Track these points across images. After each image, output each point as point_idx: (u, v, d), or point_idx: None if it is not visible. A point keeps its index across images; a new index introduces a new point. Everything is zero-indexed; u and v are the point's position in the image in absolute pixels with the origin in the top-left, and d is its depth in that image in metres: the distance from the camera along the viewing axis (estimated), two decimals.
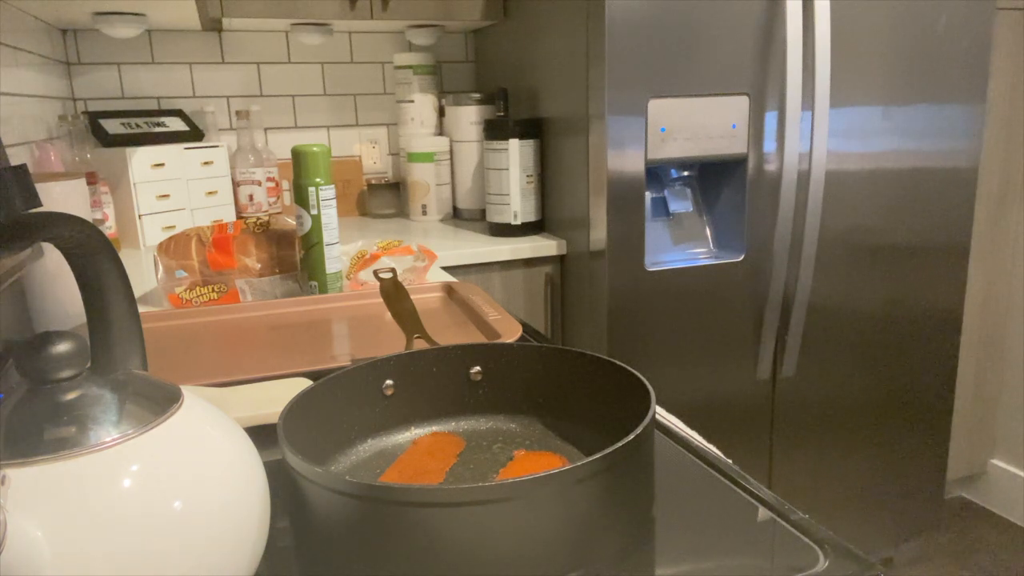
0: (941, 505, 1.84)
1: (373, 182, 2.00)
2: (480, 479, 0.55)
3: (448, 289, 1.09)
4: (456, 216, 1.96)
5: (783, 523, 0.49)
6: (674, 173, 1.59)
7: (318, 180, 1.06)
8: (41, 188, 0.91)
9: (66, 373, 0.38)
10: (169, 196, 1.67)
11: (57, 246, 0.40)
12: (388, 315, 0.99)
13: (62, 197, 0.94)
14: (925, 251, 1.65)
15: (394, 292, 0.78)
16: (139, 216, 1.63)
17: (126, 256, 1.54)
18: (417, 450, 0.59)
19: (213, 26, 1.82)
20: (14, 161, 1.21)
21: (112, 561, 0.34)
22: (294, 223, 1.16)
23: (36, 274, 0.92)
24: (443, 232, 1.75)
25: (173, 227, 1.69)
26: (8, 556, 0.31)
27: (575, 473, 0.43)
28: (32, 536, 0.33)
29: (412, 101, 1.95)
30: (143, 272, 1.38)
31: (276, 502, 0.51)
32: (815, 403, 1.66)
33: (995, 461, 2.11)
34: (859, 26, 1.48)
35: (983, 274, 1.99)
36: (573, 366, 0.61)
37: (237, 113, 1.83)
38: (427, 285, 1.10)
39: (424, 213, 1.93)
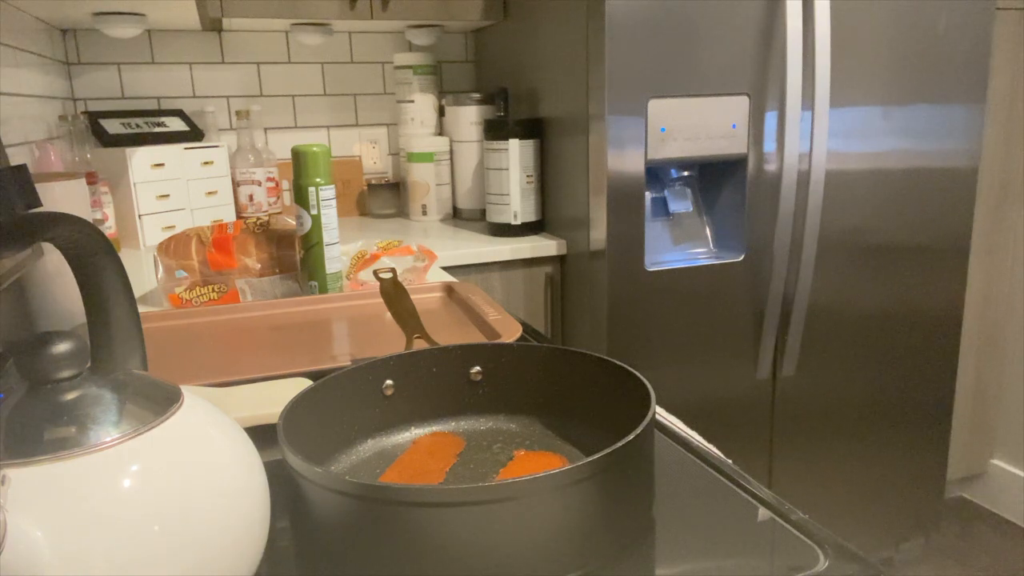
0: (941, 505, 1.84)
1: (373, 182, 2.00)
2: (480, 479, 0.55)
3: (448, 289, 1.09)
4: (456, 216, 1.96)
5: (783, 523, 0.49)
6: (674, 173, 1.59)
7: (318, 180, 1.06)
8: (41, 188, 0.91)
9: (66, 373, 0.38)
10: (169, 196, 1.67)
11: (57, 246, 0.40)
12: (388, 315, 0.99)
13: (62, 197, 0.94)
14: (925, 251, 1.65)
15: (394, 292, 0.78)
16: (139, 216, 1.63)
17: (126, 256, 1.54)
18: (417, 450, 0.59)
19: (213, 26, 1.82)
20: (14, 161, 1.21)
21: (112, 561, 0.34)
22: (294, 223, 1.16)
23: (36, 274, 0.92)
24: (443, 232, 1.75)
25: (173, 227, 1.69)
26: (8, 556, 0.31)
27: (575, 473, 0.43)
28: (32, 536, 0.33)
29: (412, 101, 1.95)
30: (143, 272, 1.38)
31: (276, 502, 0.51)
32: (815, 403, 1.66)
33: (995, 461, 2.11)
34: (859, 26, 1.48)
35: (983, 274, 1.99)
36: (573, 366, 0.61)
37: (237, 113, 1.83)
38: (427, 285, 1.10)
39: (424, 213, 1.93)
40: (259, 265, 1.13)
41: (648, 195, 1.54)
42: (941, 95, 1.57)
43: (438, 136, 1.94)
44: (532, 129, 1.63)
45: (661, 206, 1.56)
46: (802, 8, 1.41)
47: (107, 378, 0.40)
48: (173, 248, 1.12)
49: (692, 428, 0.65)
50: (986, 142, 1.91)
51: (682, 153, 1.42)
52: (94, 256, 0.42)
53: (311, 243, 1.08)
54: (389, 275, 0.78)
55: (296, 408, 0.53)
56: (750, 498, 0.52)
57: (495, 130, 1.63)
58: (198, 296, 1.07)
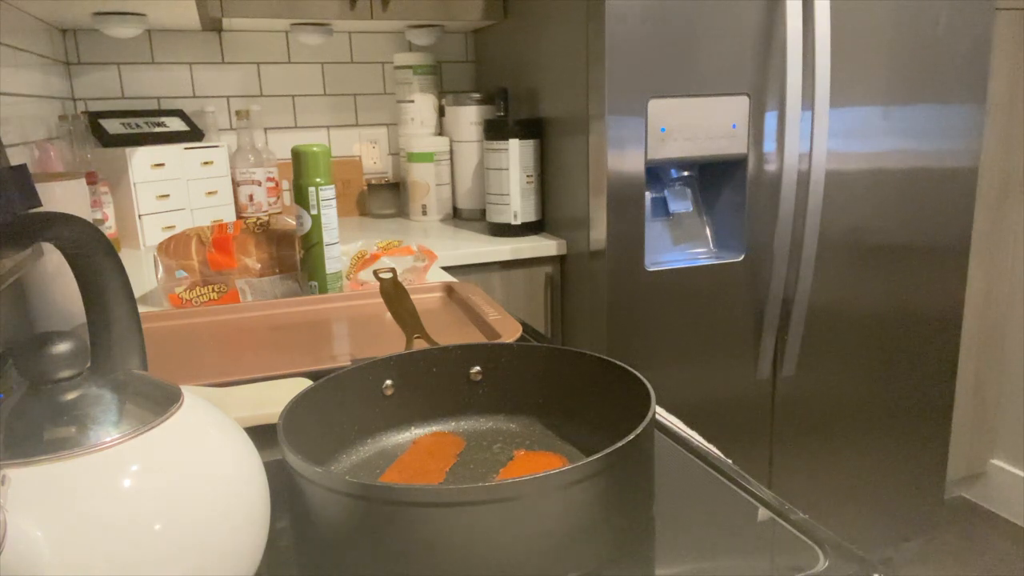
0: (941, 505, 1.84)
1: (373, 182, 2.00)
2: (480, 479, 0.55)
3: (448, 289, 1.09)
4: (456, 216, 1.96)
5: (783, 523, 0.49)
6: (674, 173, 1.59)
7: (318, 180, 1.06)
8: (41, 188, 0.91)
9: (66, 373, 0.38)
10: (169, 196, 1.67)
11: (57, 246, 0.40)
12: (388, 315, 0.99)
13: (62, 197, 0.94)
14: (925, 251, 1.65)
15: (394, 292, 0.78)
16: (139, 216, 1.63)
17: (126, 256, 1.54)
18: (417, 450, 0.59)
19: (213, 26, 1.82)
20: (14, 161, 1.21)
21: (112, 561, 0.34)
22: (294, 223, 1.16)
23: (36, 274, 0.92)
24: (443, 232, 1.75)
25: (173, 227, 1.69)
26: (8, 556, 0.31)
27: (575, 473, 0.43)
28: (32, 536, 0.33)
29: (412, 101, 1.95)
30: (143, 272, 1.38)
31: (276, 502, 0.51)
32: (815, 403, 1.66)
33: (995, 461, 2.11)
34: (859, 26, 1.48)
35: (983, 274, 1.99)
36: (573, 366, 0.61)
37: (237, 113, 1.83)
38: (427, 285, 1.10)
39: (424, 213, 1.93)
40: (259, 265, 1.13)
41: (648, 195, 1.54)
42: (941, 95, 1.57)
43: (438, 136, 1.94)
44: (532, 129, 1.63)
45: (661, 206, 1.56)
46: (802, 8, 1.41)
47: (107, 378, 0.40)
48: (173, 248, 1.12)
49: (692, 428, 0.65)
50: (986, 142, 1.91)
51: (682, 153, 1.42)
52: (94, 256, 0.42)
53: (311, 243, 1.08)
54: (389, 275, 0.78)
55: (296, 408, 0.53)
56: (750, 498, 0.52)
57: (495, 130, 1.63)
58: (198, 296, 1.07)
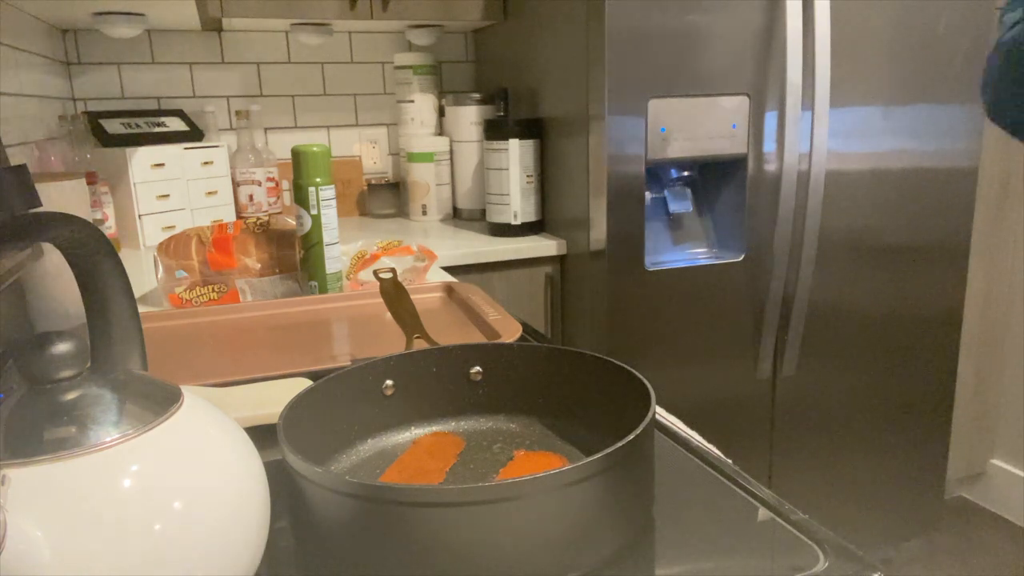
0: (941, 505, 1.84)
1: (373, 182, 2.00)
2: (480, 479, 0.55)
3: (448, 289, 1.09)
4: (456, 216, 1.96)
5: (783, 523, 0.49)
6: (674, 173, 1.59)
7: (318, 180, 1.06)
8: (41, 188, 0.91)
9: (66, 373, 0.38)
10: (169, 196, 1.67)
11: (57, 246, 0.40)
12: (388, 315, 0.99)
13: (62, 197, 0.94)
14: (925, 251, 1.65)
15: (394, 292, 0.78)
16: (139, 216, 1.63)
17: (126, 256, 1.54)
18: (417, 450, 0.59)
19: (213, 26, 1.82)
20: (14, 161, 1.21)
21: (112, 561, 0.34)
22: (294, 223, 1.16)
23: (36, 274, 0.92)
24: (443, 232, 1.75)
25: (173, 227, 1.69)
26: (8, 556, 0.31)
27: (575, 473, 0.43)
28: (32, 536, 0.33)
29: (412, 101, 1.95)
30: (143, 272, 1.38)
31: (276, 502, 0.51)
32: (815, 403, 1.66)
33: (995, 461, 2.11)
34: (859, 26, 1.48)
35: (983, 274, 1.99)
36: (573, 366, 0.61)
37: (237, 113, 1.83)
38: (427, 285, 1.10)
39: (424, 213, 1.93)
40: (259, 265, 1.13)
41: (648, 195, 1.54)
42: (941, 95, 1.57)
43: (438, 136, 1.94)
44: (532, 129, 1.63)
45: (661, 206, 1.56)
46: (802, 8, 1.41)
47: (107, 378, 0.40)
48: (173, 248, 1.12)
49: (692, 428, 0.65)
50: (986, 142, 1.91)
51: (682, 153, 1.42)
52: (94, 256, 0.42)
53: (311, 243, 1.08)
54: (389, 275, 0.78)
55: (296, 408, 0.53)
56: (750, 498, 0.52)
57: (495, 130, 1.63)
58: (198, 296, 1.07)
